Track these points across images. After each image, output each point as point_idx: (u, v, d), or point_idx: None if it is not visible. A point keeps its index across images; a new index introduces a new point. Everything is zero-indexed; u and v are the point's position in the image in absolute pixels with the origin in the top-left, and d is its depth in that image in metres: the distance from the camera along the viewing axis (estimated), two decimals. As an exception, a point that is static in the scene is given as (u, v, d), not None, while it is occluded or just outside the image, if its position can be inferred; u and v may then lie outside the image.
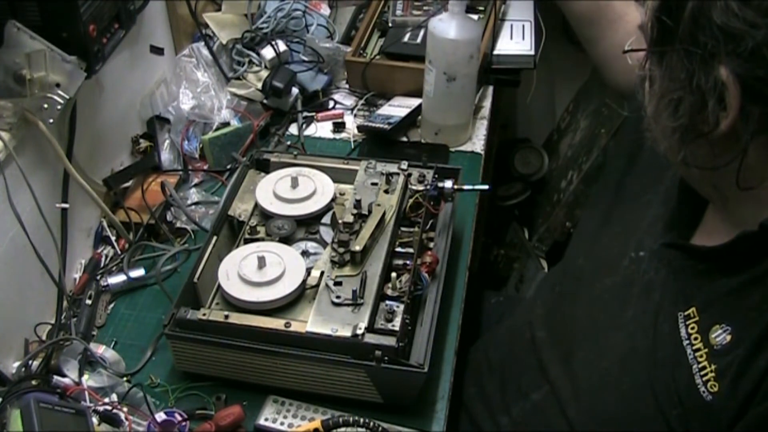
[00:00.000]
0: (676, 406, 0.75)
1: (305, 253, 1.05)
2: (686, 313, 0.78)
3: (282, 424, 0.94)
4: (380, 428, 0.86)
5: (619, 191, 1.01)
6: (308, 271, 1.00)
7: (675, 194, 0.88)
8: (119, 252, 1.20)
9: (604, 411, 0.83)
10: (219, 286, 1.00)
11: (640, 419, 0.79)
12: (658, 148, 0.78)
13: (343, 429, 0.87)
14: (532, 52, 1.48)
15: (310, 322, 0.93)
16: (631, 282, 0.86)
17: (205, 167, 1.35)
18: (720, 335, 0.74)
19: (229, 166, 1.35)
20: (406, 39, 1.48)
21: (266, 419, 0.95)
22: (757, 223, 0.71)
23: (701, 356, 0.74)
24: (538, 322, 0.98)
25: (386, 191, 1.09)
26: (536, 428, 0.92)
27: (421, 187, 1.10)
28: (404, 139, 1.40)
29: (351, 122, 1.44)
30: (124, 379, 1.02)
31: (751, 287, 0.73)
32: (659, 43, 0.73)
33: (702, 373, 0.73)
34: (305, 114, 1.45)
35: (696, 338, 0.75)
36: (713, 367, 0.73)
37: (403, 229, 1.08)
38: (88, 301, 1.10)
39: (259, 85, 1.41)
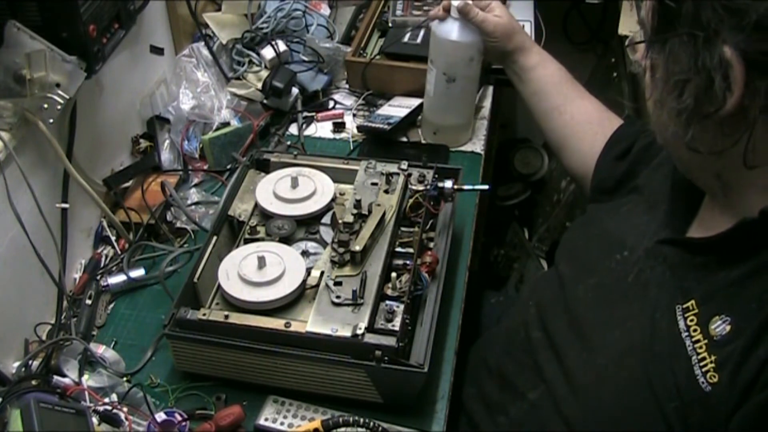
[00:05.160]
0: (674, 399, 0.75)
1: (305, 253, 1.05)
2: (685, 305, 0.78)
3: (282, 424, 0.94)
4: (380, 428, 0.86)
5: (597, 203, 1.07)
6: (308, 271, 1.00)
7: (660, 199, 0.90)
8: (119, 252, 1.20)
9: (601, 407, 0.83)
10: (219, 286, 1.00)
11: (637, 414, 0.79)
12: (665, 133, 0.78)
13: (343, 429, 0.87)
14: (533, 52, 1.48)
15: (310, 322, 0.93)
16: (619, 281, 0.87)
17: (205, 167, 1.35)
18: (719, 326, 0.74)
19: (229, 166, 1.35)
20: (406, 39, 1.48)
21: (266, 419, 0.95)
22: (757, 211, 0.71)
23: (701, 347, 0.74)
24: (532, 322, 0.99)
25: (386, 191, 1.09)
26: (534, 428, 0.92)
27: (421, 187, 1.10)
28: (404, 139, 1.40)
29: (351, 122, 1.44)
30: (124, 379, 1.02)
31: (752, 278, 0.73)
32: (661, 30, 0.73)
33: (702, 364, 0.74)
34: (305, 114, 1.45)
35: (695, 330, 0.76)
36: (713, 358, 0.73)
37: (403, 229, 1.08)
38: (88, 301, 1.10)
39: (259, 85, 1.40)
